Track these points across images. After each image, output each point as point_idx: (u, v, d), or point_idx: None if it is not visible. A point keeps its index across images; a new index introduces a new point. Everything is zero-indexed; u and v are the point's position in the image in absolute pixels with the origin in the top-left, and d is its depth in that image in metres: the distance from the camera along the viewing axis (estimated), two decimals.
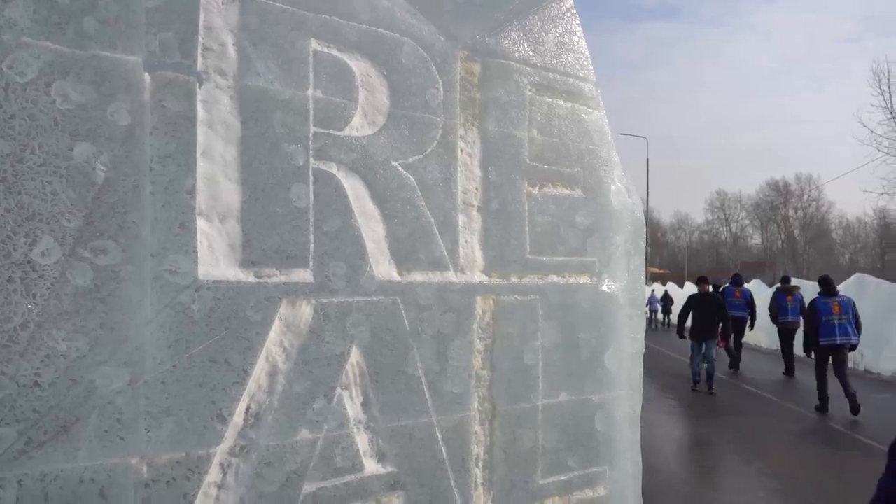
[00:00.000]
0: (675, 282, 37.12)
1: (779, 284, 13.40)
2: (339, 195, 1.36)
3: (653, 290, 29.54)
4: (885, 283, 11.65)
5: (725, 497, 6.00)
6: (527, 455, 1.66)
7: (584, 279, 1.79)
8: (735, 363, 13.07)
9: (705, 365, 10.71)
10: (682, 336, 10.91)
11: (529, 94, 1.69)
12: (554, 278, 1.72)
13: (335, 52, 1.38)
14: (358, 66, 1.41)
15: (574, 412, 1.75)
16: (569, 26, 1.81)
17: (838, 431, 7.85)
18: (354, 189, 1.39)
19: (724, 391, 10.69)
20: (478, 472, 1.57)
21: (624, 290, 1.89)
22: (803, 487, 5.71)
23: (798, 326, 11.07)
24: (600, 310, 1.82)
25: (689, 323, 11.27)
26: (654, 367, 13.35)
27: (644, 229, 1.96)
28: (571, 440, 1.75)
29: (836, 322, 9.03)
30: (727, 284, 13.94)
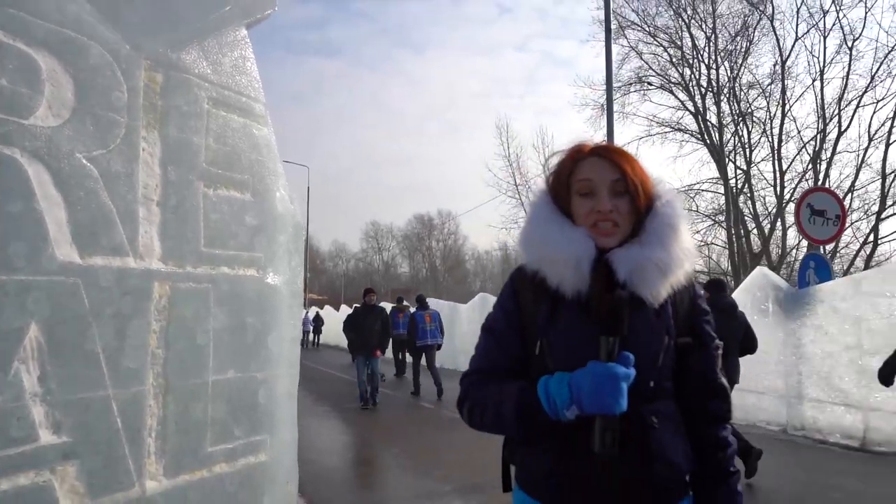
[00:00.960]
0: (332, 306, 38.85)
1: (394, 304, 16.17)
2: (22, 179, 1.44)
3: (306, 313, 30.61)
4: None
5: (368, 477, 6.84)
6: (197, 426, 1.85)
7: (252, 272, 2.06)
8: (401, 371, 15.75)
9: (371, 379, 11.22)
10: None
11: (207, 106, 1.93)
12: (225, 269, 1.96)
13: (21, 46, 1.46)
14: (45, 61, 1.51)
15: (240, 387, 2.00)
16: (243, 52, 2.09)
17: (439, 411, 10.68)
18: (37, 175, 1.48)
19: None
20: (151, 442, 1.73)
21: (286, 283, 2.20)
22: (425, 458, 7.11)
23: (405, 337, 13.65)
24: (265, 299, 2.11)
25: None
26: (309, 380, 13.97)
27: (303, 233, 2.31)
28: (238, 412, 1.99)
29: (427, 328, 12.42)
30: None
